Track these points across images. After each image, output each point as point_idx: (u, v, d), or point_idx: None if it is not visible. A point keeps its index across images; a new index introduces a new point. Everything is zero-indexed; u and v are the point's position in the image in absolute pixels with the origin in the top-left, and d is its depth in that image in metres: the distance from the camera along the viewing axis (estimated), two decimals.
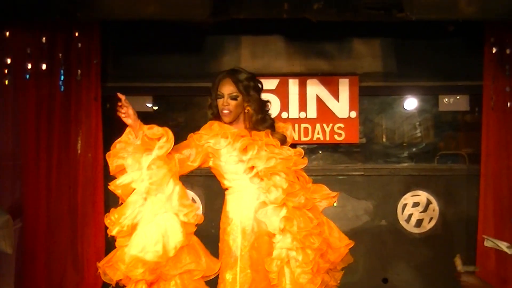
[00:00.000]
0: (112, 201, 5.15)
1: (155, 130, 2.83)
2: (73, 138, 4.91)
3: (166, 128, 2.87)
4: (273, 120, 3.09)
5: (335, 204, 3.15)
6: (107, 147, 5.05)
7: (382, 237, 5.17)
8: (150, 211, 2.76)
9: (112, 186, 2.87)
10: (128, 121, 2.85)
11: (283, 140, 3.02)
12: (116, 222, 2.79)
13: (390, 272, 5.16)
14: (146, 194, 2.76)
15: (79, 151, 4.91)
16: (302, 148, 5.23)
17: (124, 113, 2.84)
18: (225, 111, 2.97)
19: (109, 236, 2.83)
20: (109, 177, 5.08)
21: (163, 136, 2.82)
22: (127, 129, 2.91)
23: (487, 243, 3.10)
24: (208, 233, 5.11)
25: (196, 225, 2.86)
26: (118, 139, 2.92)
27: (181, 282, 2.74)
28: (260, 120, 3.00)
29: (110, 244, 5.04)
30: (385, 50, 5.20)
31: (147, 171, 2.75)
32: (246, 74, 3.04)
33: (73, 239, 4.88)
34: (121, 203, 2.89)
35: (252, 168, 2.88)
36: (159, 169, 2.77)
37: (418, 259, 5.13)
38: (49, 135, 4.85)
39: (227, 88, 2.97)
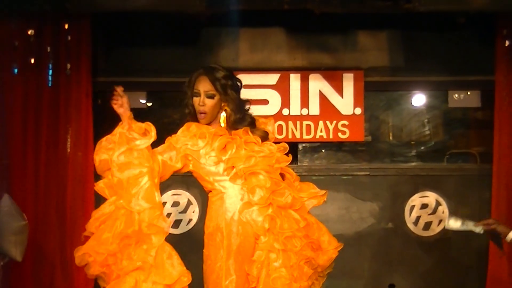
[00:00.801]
0: (102, 202, 5.16)
1: (140, 124, 2.86)
2: (62, 136, 4.88)
3: (149, 123, 2.89)
4: (253, 118, 3.08)
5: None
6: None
7: (389, 240, 5.16)
8: (109, 202, 2.78)
9: (97, 187, 2.87)
10: (119, 110, 2.84)
11: (264, 137, 3.00)
12: (93, 218, 2.81)
13: (397, 278, 5.15)
14: (118, 189, 2.76)
15: (68, 150, 4.89)
16: (304, 146, 5.25)
17: (117, 102, 2.82)
18: (201, 114, 2.96)
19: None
20: (100, 177, 5.13)
21: (147, 132, 2.84)
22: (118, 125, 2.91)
23: (453, 225, 3.08)
24: None
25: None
26: (106, 136, 2.91)
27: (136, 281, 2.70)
28: (239, 119, 2.99)
29: None
30: (392, 43, 5.18)
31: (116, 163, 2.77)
32: (223, 72, 3.03)
33: (62, 243, 4.84)
34: None
35: (232, 168, 2.88)
36: (137, 160, 2.79)
37: (426, 264, 5.11)
38: (37, 133, 4.82)
39: (204, 86, 2.96)
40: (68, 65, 4.78)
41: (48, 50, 4.77)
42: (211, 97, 2.95)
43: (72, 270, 4.84)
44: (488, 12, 4.60)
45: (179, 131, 3.01)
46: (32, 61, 4.73)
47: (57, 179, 4.85)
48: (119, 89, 2.86)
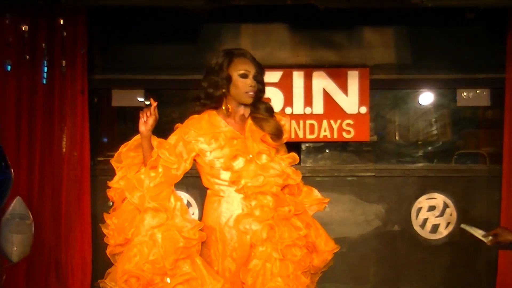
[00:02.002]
0: (99, 204, 5.15)
1: (169, 155, 2.86)
2: (57, 135, 4.88)
3: (179, 157, 2.87)
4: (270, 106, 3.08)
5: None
6: (94, 144, 5.09)
7: (395, 243, 5.15)
8: (149, 224, 2.76)
9: (112, 192, 2.85)
10: (142, 127, 2.83)
11: (278, 134, 2.97)
12: (114, 233, 2.78)
13: (403, 282, 5.14)
14: (144, 213, 2.77)
15: (63, 149, 4.90)
16: (307, 146, 5.24)
17: (145, 121, 2.81)
18: (251, 93, 2.90)
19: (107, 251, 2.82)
20: (96, 178, 5.14)
21: (174, 163, 2.85)
22: (136, 137, 2.90)
23: (463, 226, 3.11)
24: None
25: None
26: (125, 145, 2.90)
27: None
28: (265, 109, 2.97)
29: (97, 252, 5.06)
30: (399, 39, 5.18)
31: (148, 191, 2.76)
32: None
33: (56, 246, 4.85)
34: (113, 207, 2.86)
35: (239, 181, 2.87)
36: (160, 186, 2.79)
37: (434, 268, 5.11)
38: (31, 132, 4.82)
39: (252, 67, 2.92)
40: (63, 62, 4.78)
41: (43, 46, 4.77)
42: (258, 79, 2.93)
43: (67, 272, 4.86)
44: (498, 7, 4.59)
45: (190, 122, 2.95)
46: (27, 57, 4.71)
47: (52, 179, 4.86)
48: (154, 105, 2.84)
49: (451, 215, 5.12)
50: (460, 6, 4.61)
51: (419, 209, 5.14)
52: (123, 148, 2.90)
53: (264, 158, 2.89)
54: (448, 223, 5.12)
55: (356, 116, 5.12)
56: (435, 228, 5.13)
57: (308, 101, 5.12)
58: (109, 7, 4.64)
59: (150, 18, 5.06)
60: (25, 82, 4.79)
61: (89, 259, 4.92)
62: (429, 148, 5.39)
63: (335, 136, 5.12)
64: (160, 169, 2.82)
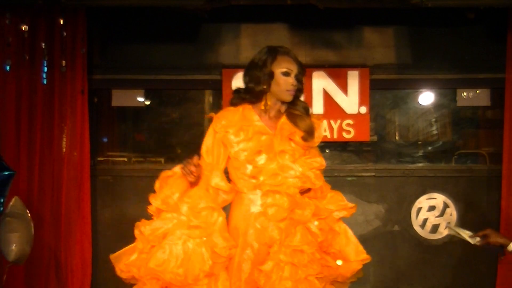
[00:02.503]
0: (100, 205, 5.17)
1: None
2: (57, 135, 4.88)
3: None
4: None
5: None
6: (94, 144, 5.10)
7: (395, 244, 5.16)
8: (184, 234, 2.78)
9: (153, 208, 2.87)
10: (190, 179, 2.85)
11: (310, 133, 2.98)
12: (145, 236, 2.81)
13: (403, 282, 5.15)
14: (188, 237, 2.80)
15: (63, 150, 4.89)
16: None
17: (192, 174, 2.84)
18: (291, 91, 2.91)
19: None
20: (96, 178, 5.15)
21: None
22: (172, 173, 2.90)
23: (450, 231, 3.09)
24: None
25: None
26: (170, 173, 2.88)
27: None
28: (302, 107, 2.99)
29: (97, 252, 5.07)
30: (399, 39, 5.18)
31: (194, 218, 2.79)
32: None
33: (56, 246, 4.85)
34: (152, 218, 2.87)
35: (257, 177, 2.87)
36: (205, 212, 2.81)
37: (434, 268, 5.11)
38: (31, 132, 4.82)
39: (294, 66, 2.93)
40: (63, 62, 4.77)
41: (43, 47, 4.76)
42: (298, 78, 2.94)
43: (66, 272, 4.85)
44: (498, 6, 4.58)
45: (224, 113, 2.95)
46: (26, 57, 4.72)
47: (52, 179, 4.86)
48: (196, 163, 2.84)
49: (451, 215, 5.13)
50: (460, 6, 4.61)
51: (419, 209, 5.15)
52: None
53: (286, 158, 2.89)
54: (448, 223, 5.12)
55: (356, 116, 5.12)
56: (435, 228, 5.14)
57: (308, 101, 5.10)
58: (109, 7, 4.64)
59: (150, 18, 5.06)
60: (25, 82, 4.79)
61: (89, 259, 4.93)
62: (429, 148, 5.39)
63: (335, 136, 5.12)
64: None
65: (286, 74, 2.90)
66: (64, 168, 4.87)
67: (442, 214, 5.14)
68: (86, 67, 4.93)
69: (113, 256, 2.91)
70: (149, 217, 2.89)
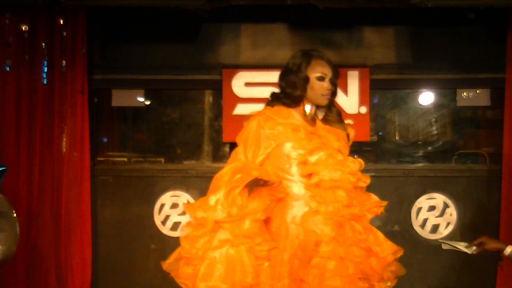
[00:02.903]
0: (100, 205, 5.17)
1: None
2: (57, 135, 4.89)
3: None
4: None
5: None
6: (94, 144, 5.10)
7: (395, 244, 5.13)
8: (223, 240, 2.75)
9: (192, 213, 2.80)
10: (280, 195, 2.82)
11: (339, 115, 3.02)
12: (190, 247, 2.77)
13: (403, 282, 5.11)
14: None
15: (63, 150, 4.90)
16: None
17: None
18: (327, 96, 2.91)
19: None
20: (96, 178, 5.15)
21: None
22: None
23: (444, 246, 3.09)
24: None
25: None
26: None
27: None
28: (337, 113, 2.99)
29: (97, 253, 5.07)
30: (399, 39, 5.18)
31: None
32: None
33: (56, 246, 4.85)
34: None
35: (313, 174, 2.87)
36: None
37: (434, 268, 5.11)
38: (31, 132, 4.83)
39: (329, 71, 2.92)
40: (63, 62, 4.78)
41: (43, 46, 4.77)
42: (333, 81, 2.94)
43: (66, 272, 4.85)
44: (498, 6, 4.58)
45: (269, 111, 2.90)
46: (26, 57, 4.72)
47: (52, 179, 4.86)
48: (278, 185, 2.81)
49: (451, 215, 5.13)
50: (460, 6, 4.61)
51: (419, 209, 5.15)
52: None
53: (340, 156, 2.90)
54: (448, 223, 5.13)
55: (356, 116, 5.12)
56: (435, 228, 5.14)
57: None
58: (109, 7, 4.65)
59: (150, 18, 5.06)
60: (25, 82, 4.80)
61: (89, 259, 4.93)
62: (429, 148, 5.39)
63: None
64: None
65: (321, 78, 2.90)
66: (64, 168, 4.87)
67: (442, 214, 5.14)
68: (86, 67, 4.93)
69: (166, 265, 2.83)
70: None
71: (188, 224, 2.82)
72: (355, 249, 2.84)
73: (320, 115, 2.96)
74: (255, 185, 2.75)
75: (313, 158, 2.86)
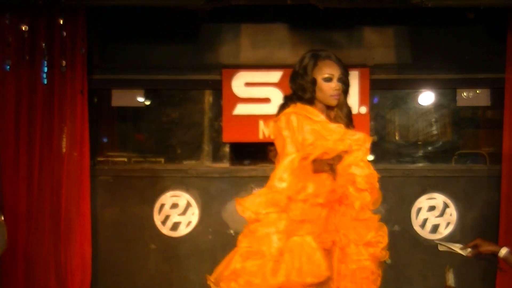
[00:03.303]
0: (100, 205, 5.16)
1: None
2: (57, 135, 4.88)
3: None
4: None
5: (387, 261, 3.13)
6: (93, 144, 5.10)
7: (395, 244, 5.12)
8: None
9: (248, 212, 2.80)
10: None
11: (350, 112, 3.05)
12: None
13: (403, 282, 5.15)
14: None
15: (63, 150, 4.89)
16: None
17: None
18: (335, 96, 2.91)
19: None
20: (96, 178, 5.15)
21: None
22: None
23: (440, 248, 3.11)
24: (205, 239, 5.14)
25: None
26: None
27: None
28: (347, 114, 3.00)
29: (97, 254, 5.07)
30: (399, 39, 5.19)
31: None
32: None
33: (56, 246, 4.85)
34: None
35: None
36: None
37: (434, 268, 5.10)
38: (31, 132, 4.83)
39: (337, 70, 2.94)
40: (63, 62, 4.78)
41: (43, 46, 4.77)
42: (342, 80, 2.94)
43: (66, 273, 4.84)
44: (498, 6, 4.58)
45: (301, 111, 2.88)
46: (26, 57, 4.72)
47: (52, 180, 4.86)
48: None
49: (451, 215, 5.13)
50: (460, 6, 4.61)
51: (419, 209, 5.15)
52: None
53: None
54: (448, 223, 5.13)
55: (356, 116, 4.96)
56: (435, 228, 5.14)
57: None
58: (109, 7, 4.65)
59: (149, 18, 5.06)
60: (24, 82, 4.80)
61: (89, 259, 4.93)
62: (429, 148, 5.39)
63: None
64: None
65: (328, 79, 2.91)
66: (64, 168, 4.87)
67: (442, 214, 5.14)
68: (86, 67, 4.92)
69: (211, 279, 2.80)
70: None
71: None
72: (370, 248, 2.93)
73: (332, 114, 2.97)
74: (323, 165, 2.79)
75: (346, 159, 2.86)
